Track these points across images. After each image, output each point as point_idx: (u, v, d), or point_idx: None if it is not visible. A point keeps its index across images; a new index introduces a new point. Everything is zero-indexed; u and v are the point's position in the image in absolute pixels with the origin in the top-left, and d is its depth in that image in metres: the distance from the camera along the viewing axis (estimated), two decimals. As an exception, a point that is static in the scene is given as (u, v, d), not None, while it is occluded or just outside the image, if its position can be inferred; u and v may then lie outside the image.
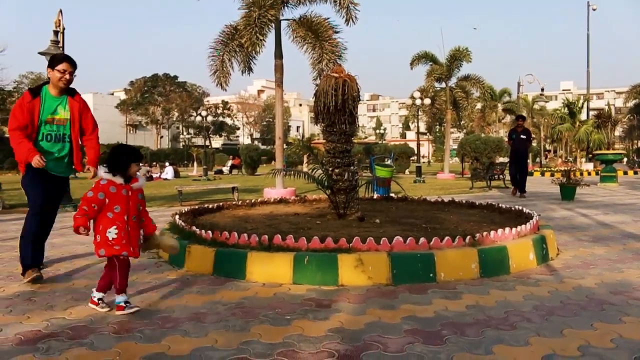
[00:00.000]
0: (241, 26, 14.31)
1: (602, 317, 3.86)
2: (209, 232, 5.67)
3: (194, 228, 5.98)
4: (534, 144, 54.72)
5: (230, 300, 4.37)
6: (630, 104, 53.47)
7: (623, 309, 4.07)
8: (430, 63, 29.17)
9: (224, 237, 5.51)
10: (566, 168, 19.35)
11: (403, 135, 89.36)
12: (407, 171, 35.54)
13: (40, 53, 12.44)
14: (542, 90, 23.67)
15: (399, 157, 33.07)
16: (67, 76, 5.07)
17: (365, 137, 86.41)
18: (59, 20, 13.52)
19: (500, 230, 5.53)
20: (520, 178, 14.84)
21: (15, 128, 4.91)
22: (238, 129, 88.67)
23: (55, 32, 13.22)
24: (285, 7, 16.22)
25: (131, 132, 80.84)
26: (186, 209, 7.73)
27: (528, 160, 42.91)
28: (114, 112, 75.78)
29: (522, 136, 14.68)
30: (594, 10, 39.99)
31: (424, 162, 51.89)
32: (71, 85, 5.22)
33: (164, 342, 3.40)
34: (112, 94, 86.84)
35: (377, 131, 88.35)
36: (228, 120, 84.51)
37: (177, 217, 6.83)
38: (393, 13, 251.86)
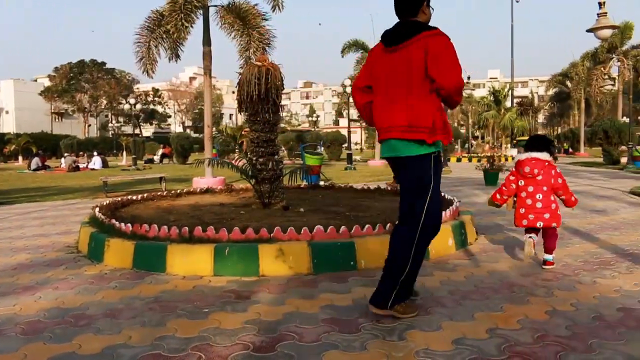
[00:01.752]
0: (167, 12, 13.96)
1: (512, 299, 4.03)
2: (129, 225, 5.53)
3: (113, 221, 5.83)
4: (462, 130, 56.32)
5: (148, 294, 4.29)
6: (551, 92, 55.70)
7: (532, 290, 4.25)
8: (361, 51, 29.39)
9: (144, 229, 5.40)
10: (491, 154, 19.98)
11: (336, 123, 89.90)
12: (341, 156, 35.88)
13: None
14: (469, 78, 24.36)
15: (331, 145, 33.30)
16: None
17: (299, 125, 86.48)
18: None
19: (419, 217, 5.64)
20: None
21: None
22: (169, 117, 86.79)
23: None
24: (214, -7, 15.96)
25: (57, 120, 77.75)
26: (107, 201, 7.51)
27: (456, 147, 43.90)
28: (37, 99, 72.57)
29: None
30: (518, 1, 41.37)
31: (356, 149, 52.48)
32: None
33: (74, 342, 3.30)
34: (36, 81, 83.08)
35: (310, 118, 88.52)
36: (159, 108, 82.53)
37: (97, 209, 6.63)
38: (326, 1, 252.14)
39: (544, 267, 5.01)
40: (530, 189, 5.02)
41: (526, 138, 23.52)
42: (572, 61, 46.39)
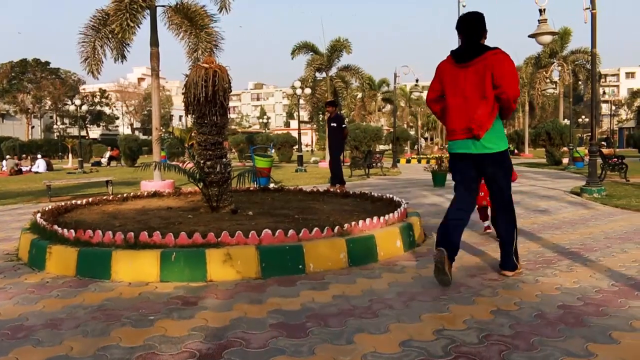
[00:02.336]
0: (112, 11, 13.64)
1: (458, 299, 4.10)
2: (72, 231, 5.37)
3: (55, 227, 5.65)
4: (412, 132, 57.16)
5: (92, 303, 4.17)
6: (498, 94, 56.90)
7: (477, 290, 4.33)
8: (311, 53, 29.46)
9: (88, 235, 5.25)
10: (439, 155, 20.34)
11: (287, 124, 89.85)
12: (292, 158, 35.84)
13: None
14: (417, 81, 24.62)
15: (281, 147, 33.24)
16: None
17: (249, 127, 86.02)
18: None
19: (368, 220, 5.70)
20: (333, 167, 12.86)
21: None
22: (117, 118, 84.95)
23: None
24: (162, -7, 15.72)
25: (-3, 121, 75.03)
26: (50, 206, 7.28)
27: (406, 148, 44.36)
28: (-25, 99, 69.97)
29: (332, 124, 12.83)
30: (464, 6, 42.20)
31: (307, 151, 52.56)
32: None
33: (11, 355, 3.16)
34: (-26, 80, 79.94)
35: (261, 120, 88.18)
36: (106, 110, 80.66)
37: (38, 215, 6.41)
38: (279, 2, 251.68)
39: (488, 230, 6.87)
40: None
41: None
42: (516, 65, 47.63)
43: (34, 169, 28.85)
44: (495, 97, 4.36)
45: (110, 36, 15.25)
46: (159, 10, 15.74)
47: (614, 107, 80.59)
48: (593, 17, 11.27)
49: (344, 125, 12.90)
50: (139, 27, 14.32)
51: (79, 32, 15.21)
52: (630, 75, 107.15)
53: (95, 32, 15.25)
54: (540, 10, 11.14)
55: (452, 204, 4.73)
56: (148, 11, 14.97)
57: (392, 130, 32.78)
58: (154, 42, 15.50)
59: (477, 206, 6.47)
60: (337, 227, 5.36)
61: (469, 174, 4.67)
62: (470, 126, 4.38)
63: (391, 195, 7.86)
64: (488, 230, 6.97)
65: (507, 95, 4.33)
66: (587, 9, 11.24)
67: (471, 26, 4.57)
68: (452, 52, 4.64)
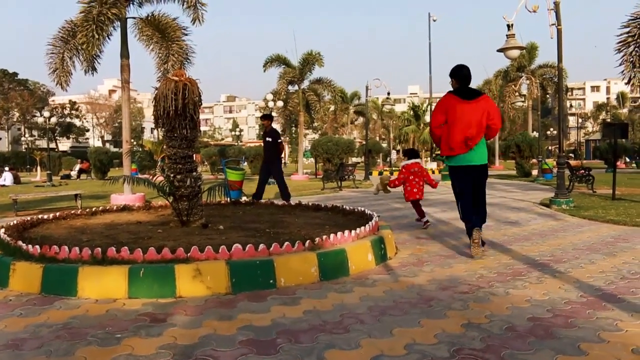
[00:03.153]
0: (79, 22, 13.47)
1: (429, 313, 4.09)
2: (37, 247, 5.24)
3: (20, 243, 5.50)
4: (384, 144, 57.53)
5: (56, 321, 4.05)
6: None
7: (448, 303, 4.34)
8: (283, 66, 29.52)
9: (54, 251, 5.12)
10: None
11: (260, 137, 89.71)
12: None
13: None
14: (389, 94, 24.81)
15: (254, 159, 33.07)
16: None
17: (222, 139, 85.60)
18: None
19: (339, 233, 5.67)
20: (278, 183, 12.69)
21: None
22: (88, 130, 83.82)
23: None
24: (132, 5, 15.57)
25: (-37, 133, 73.38)
26: (15, 221, 7.11)
27: (378, 161, 44.58)
28: (-60, 111, 68.31)
29: (267, 138, 12.32)
30: (435, 21, 42.96)
31: (280, 163, 52.34)
32: None
33: (-30, 376, 3.06)
34: (-61, 91, 78.13)
35: (234, 133, 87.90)
36: (77, 122, 79.52)
37: (1, 230, 6.24)
38: (251, 15, 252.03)
39: (424, 226, 8.75)
40: (416, 179, 9.11)
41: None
42: (486, 78, 48.47)
43: (1, 182, 28.22)
44: (487, 125, 6.21)
45: (79, 47, 15.02)
46: (130, 22, 15.63)
47: (580, 120, 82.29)
48: (559, 33, 11.52)
49: (279, 140, 12.45)
50: (107, 39, 14.20)
51: (47, 43, 15.01)
52: (595, 89, 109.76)
53: (64, 43, 15.03)
54: (508, 25, 11.33)
55: (465, 205, 6.40)
56: (118, 23, 14.82)
57: (364, 142, 32.93)
58: (125, 54, 15.34)
59: (411, 200, 9.09)
60: (308, 241, 5.32)
61: (468, 181, 6.34)
62: (468, 142, 6.12)
63: (363, 209, 7.87)
64: (427, 224, 8.81)
65: (497, 126, 6.33)
66: (552, 24, 11.48)
67: (468, 76, 6.41)
68: (455, 91, 6.34)
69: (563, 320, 3.83)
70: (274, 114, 28.54)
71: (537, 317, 3.92)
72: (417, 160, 9.44)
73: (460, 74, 6.38)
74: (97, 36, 13.32)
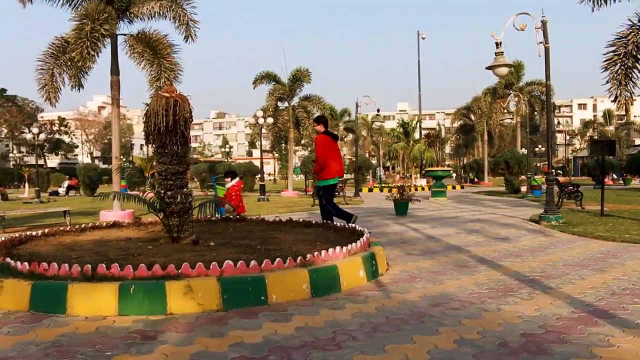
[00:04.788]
0: (72, 39, 13.47)
1: (422, 329, 4.08)
2: (25, 264, 5.18)
3: (8, 260, 5.44)
4: (374, 161, 57.67)
5: (45, 339, 4.00)
6: (457, 124, 58.30)
7: (440, 320, 4.33)
8: (273, 83, 29.64)
9: (43, 268, 5.07)
10: (401, 184, 20.52)
11: (250, 154, 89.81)
12: (254, 187, 35.62)
13: None
14: (378, 111, 24.97)
15: (244, 176, 33.06)
16: None
17: (211, 156, 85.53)
18: None
19: (330, 250, 5.67)
20: None
21: None
22: (77, 147, 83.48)
23: None
24: (122, 22, 15.62)
25: (-50, 150, 72.86)
26: (3, 238, 7.03)
27: (368, 177, 44.41)
28: None
29: None
30: (424, 38, 43.47)
31: (269, 180, 52.40)
32: None
33: (-43, 395, 3.01)
34: None
35: (223, 149, 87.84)
36: (65, 138, 79.19)
37: (-10, 247, 6.17)
38: (240, 32, 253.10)
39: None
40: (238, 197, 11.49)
41: (435, 169, 24.52)
42: (475, 95, 48.92)
43: (-12, 199, 27.98)
44: None
45: (69, 64, 15.02)
46: (120, 38, 15.67)
47: (568, 137, 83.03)
48: (546, 51, 11.66)
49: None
50: (98, 55, 14.17)
51: (37, 60, 14.99)
52: (582, 106, 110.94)
53: (54, 59, 15.00)
54: (496, 44, 11.47)
55: (334, 206, 9.35)
56: (109, 39, 14.83)
57: (354, 159, 32.98)
58: (115, 70, 15.36)
59: (241, 213, 10.89)
60: (299, 258, 5.31)
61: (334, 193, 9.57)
62: (341, 173, 9.34)
63: (354, 225, 7.86)
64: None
65: None
66: (540, 43, 11.63)
67: (328, 122, 9.76)
68: (326, 133, 9.19)
69: (555, 336, 3.84)
70: (263, 130, 28.58)
71: (529, 333, 3.92)
72: (235, 180, 11.85)
73: (325, 121, 9.50)
74: (92, 52, 13.29)
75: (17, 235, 7.51)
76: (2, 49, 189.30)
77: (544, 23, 11.61)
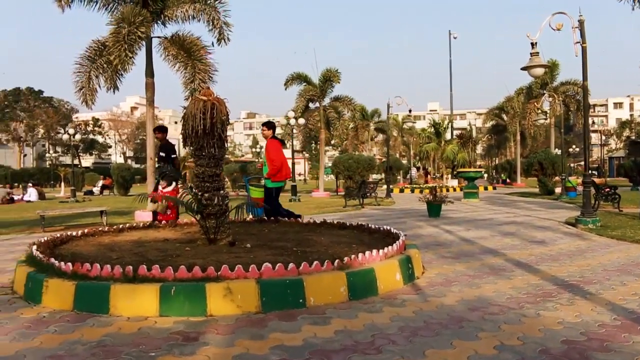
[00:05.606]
0: (110, 42, 13.74)
1: (461, 334, 4.07)
2: (69, 264, 5.31)
3: (52, 260, 5.58)
4: (404, 161, 57.38)
5: (91, 338, 4.10)
6: (489, 124, 57.67)
7: (479, 324, 4.31)
8: (304, 84, 29.73)
9: (85, 269, 5.19)
10: (433, 185, 20.38)
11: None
12: (285, 187, 35.69)
13: None
14: (410, 112, 24.88)
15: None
16: None
17: (242, 156, 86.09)
18: None
19: (367, 253, 5.67)
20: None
21: None
22: (110, 147, 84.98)
23: None
24: (157, 25, 15.87)
25: (-11, 150, 74.84)
26: (45, 238, 7.21)
27: (399, 178, 44.21)
28: (-32, 128, 69.96)
29: (160, 153, 10.88)
30: (455, 38, 43.06)
31: (300, 180, 52.56)
32: None
33: (10, 393, 3.11)
34: (-34, 108, 79.80)
35: (254, 149, 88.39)
36: (99, 138, 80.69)
37: (34, 247, 6.34)
38: (270, 33, 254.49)
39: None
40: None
41: (467, 170, 24.30)
42: (507, 95, 48.32)
43: (26, 197, 28.69)
44: None
45: (105, 66, 15.33)
46: (155, 41, 15.91)
47: (603, 137, 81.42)
48: (584, 51, 11.45)
49: (173, 156, 10.72)
50: (135, 57, 14.43)
51: (74, 62, 15.35)
52: (618, 105, 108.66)
53: (91, 62, 15.34)
54: (532, 44, 11.32)
55: (280, 207, 10.02)
56: (144, 42, 15.08)
57: (384, 159, 32.84)
58: (150, 72, 15.60)
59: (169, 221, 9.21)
60: (337, 261, 5.33)
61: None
62: (289, 176, 9.95)
63: (388, 227, 7.85)
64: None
65: None
66: (577, 42, 11.43)
67: (276, 127, 10.31)
68: (277, 138, 10.04)
69: (598, 344, 3.79)
70: (294, 131, 28.67)
71: (571, 340, 3.88)
72: (170, 187, 9.90)
73: (274, 126, 10.13)
74: (130, 55, 13.56)
75: (58, 235, 7.70)
76: (40, 51, 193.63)
77: (581, 22, 11.38)
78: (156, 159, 11.42)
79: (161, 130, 11.19)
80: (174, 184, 9.97)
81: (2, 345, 3.99)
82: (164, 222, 9.11)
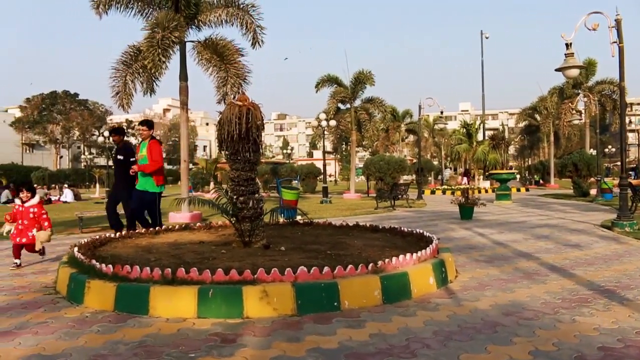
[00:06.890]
0: (144, 47, 14.01)
1: (495, 339, 4.08)
2: (110, 266, 5.48)
3: (93, 261, 5.76)
4: (435, 162, 56.99)
5: (132, 338, 4.24)
6: (521, 125, 56.91)
7: (514, 329, 4.32)
8: (335, 85, 29.76)
9: (126, 270, 5.34)
10: (465, 186, 20.23)
11: (310, 155, 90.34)
12: (316, 189, 35.83)
13: None
14: (442, 113, 24.68)
15: (306, 177, 33.36)
16: None
17: (272, 157, 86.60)
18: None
19: (401, 257, 5.71)
20: (126, 215, 10.06)
21: None
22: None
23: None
24: (191, 29, 16.11)
25: (27, 151, 76.65)
26: (86, 240, 7.42)
27: (430, 179, 43.98)
28: (7, 130, 71.82)
29: (118, 156, 10.17)
30: (487, 38, 42.68)
31: (330, 181, 52.66)
32: None
33: (60, 390, 3.24)
34: (6, 111, 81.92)
35: (284, 151, 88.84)
36: (133, 140, 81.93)
37: (75, 249, 6.54)
38: (302, 34, 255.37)
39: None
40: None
41: (500, 172, 24.08)
42: (541, 95, 47.61)
43: (62, 198, 29.37)
44: None
45: (140, 71, 15.61)
46: (189, 45, 16.14)
47: (640, 137, 79.61)
48: (620, 51, 11.27)
49: (132, 159, 9.85)
50: (169, 62, 14.67)
51: (110, 67, 15.64)
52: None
53: (127, 67, 15.62)
54: (566, 44, 11.19)
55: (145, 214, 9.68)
56: (177, 47, 15.33)
57: (415, 160, 32.68)
58: (183, 76, 15.84)
59: (19, 245, 7.62)
60: (371, 264, 5.38)
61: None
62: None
63: (421, 231, 7.86)
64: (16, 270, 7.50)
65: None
66: (614, 42, 11.25)
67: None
68: (155, 138, 9.74)
69: (636, 351, 3.76)
70: (325, 132, 28.73)
71: (607, 346, 3.86)
72: (35, 200, 7.86)
73: (152, 125, 9.94)
74: (163, 59, 13.81)
75: (97, 237, 7.91)
76: (80, 55, 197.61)
77: (618, 22, 11.21)
78: (113, 163, 10.54)
79: (117, 132, 10.67)
80: (37, 196, 8.00)
81: (49, 343, 4.15)
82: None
